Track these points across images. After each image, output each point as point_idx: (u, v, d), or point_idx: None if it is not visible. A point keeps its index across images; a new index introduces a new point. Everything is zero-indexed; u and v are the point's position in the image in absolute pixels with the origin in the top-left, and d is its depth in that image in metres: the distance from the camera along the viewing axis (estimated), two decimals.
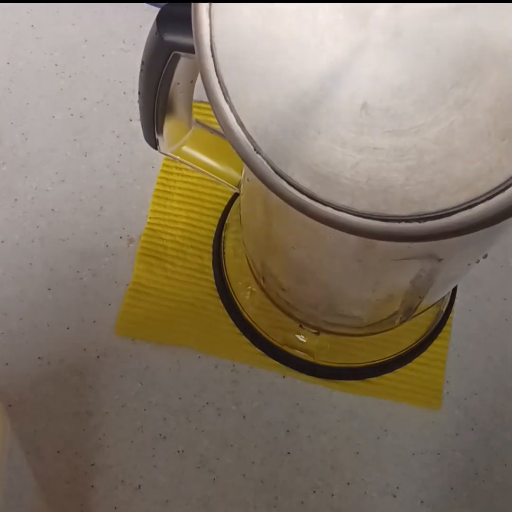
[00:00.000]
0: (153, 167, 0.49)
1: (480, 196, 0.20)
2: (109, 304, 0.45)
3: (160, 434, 0.42)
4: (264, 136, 0.23)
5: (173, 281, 0.46)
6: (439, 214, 0.21)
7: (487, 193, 0.20)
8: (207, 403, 0.43)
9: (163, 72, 0.32)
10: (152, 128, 0.36)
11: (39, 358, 0.44)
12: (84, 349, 0.44)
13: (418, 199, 0.21)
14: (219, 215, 0.48)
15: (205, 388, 0.44)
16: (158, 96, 0.33)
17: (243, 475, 0.42)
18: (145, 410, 0.43)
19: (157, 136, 0.37)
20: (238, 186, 0.41)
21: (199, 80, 0.35)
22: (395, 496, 0.42)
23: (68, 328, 0.45)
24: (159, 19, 0.30)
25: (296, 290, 0.38)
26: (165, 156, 0.41)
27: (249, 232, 0.38)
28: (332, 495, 0.42)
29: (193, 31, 0.23)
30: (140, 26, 0.53)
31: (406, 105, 0.20)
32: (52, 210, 0.48)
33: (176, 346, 0.44)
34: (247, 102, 0.23)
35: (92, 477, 0.41)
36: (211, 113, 0.56)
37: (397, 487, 0.42)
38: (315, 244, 0.31)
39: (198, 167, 0.41)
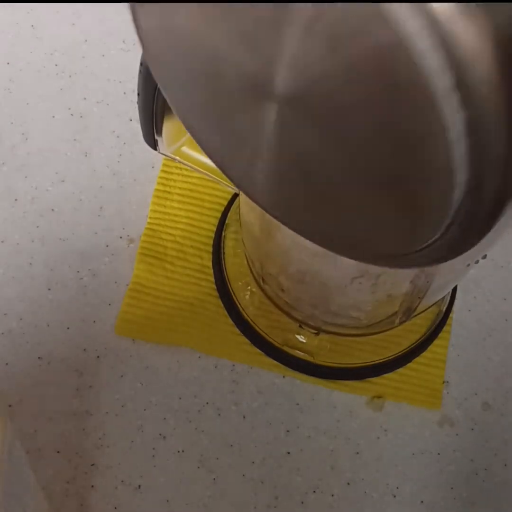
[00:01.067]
0: (153, 167, 0.49)
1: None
2: (109, 304, 0.45)
3: (160, 434, 0.43)
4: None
5: (173, 281, 0.46)
6: None
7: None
8: (207, 403, 0.43)
9: None
10: (151, 129, 0.36)
11: (39, 358, 0.44)
12: (84, 349, 0.44)
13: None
14: (219, 215, 0.48)
15: (205, 388, 0.44)
16: (157, 97, 0.33)
17: (243, 475, 0.42)
18: (145, 410, 0.43)
19: (156, 137, 0.37)
20: None
21: None
22: (395, 496, 0.42)
23: (68, 328, 0.45)
24: None
25: (296, 290, 0.38)
26: (165, 156, 0.41)
27: (249, 232, 0.38)
28: (332, 495, 0.42)
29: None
30: None
31: None
32: (52, 210, 0.48)
33: (176, 346, 0.44)
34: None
35: (92, 477, 0.41)
36: None
37: (397, 487, 0.42)
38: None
39: (197, 167, 0.40)
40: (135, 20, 0.22)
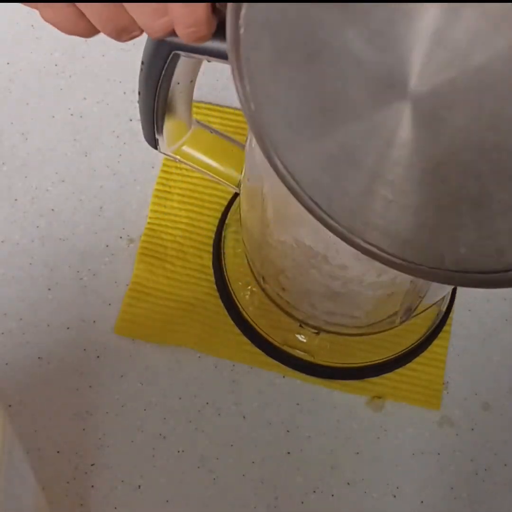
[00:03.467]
0: (153, 167, 0.49)
1: None
2: (109, 304, 0.45)
3: (160, 434, 0.42)
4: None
5: (173, 281, 0.46)
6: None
7: None
8: (207, 403, 0.43)
9: (163, 72, 0.32)
10: (152, 128, 0.36)
11: (39, 358, 0.44)
12: (84, 349, 0.44)
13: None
14: (219, 215, 0.48)
15: (205, 388, 0.44)
16: (158, 96, 0.33)
17: (243, 475, 0.42)
18: (145, 410, 0.43)
19: (157, 136, 0.37)
20: (238, 186, 0.41)
21: (198, 79, 0.35)
22: (395, 496, 0.42)
23: (68, 328, 0.45)
24: None
25: (296, 290, 0.38)
26: (165, 156, 0.41)
27: (249, 232, 0.38)
28: (332, 495, 0.42)
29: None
30: None
31: None
32: (52, 210, 0.48)
33: (176, 346, 0.44)
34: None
35: (92, 477, 0.41)
36: (211, 113, 0.56)
37: (397, 487, 0.42)
38: (317, 243, 0.32)
39: (198, 167, 0.41)
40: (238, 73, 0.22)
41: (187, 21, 0.25)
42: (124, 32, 0.27)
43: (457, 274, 0.22)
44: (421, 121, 0.19)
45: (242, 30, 0.21)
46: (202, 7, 0.24)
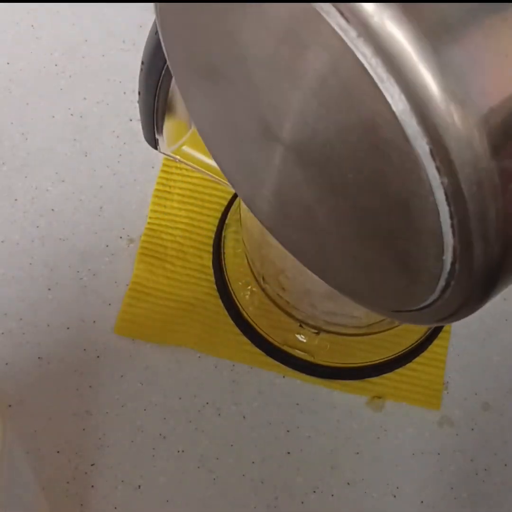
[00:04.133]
0: (153, 167, 0.49)
1: None
2: (109, 304, 0.45)
3: (160, 434, 0.42)
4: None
5: (173, 281, 0.46)
6: None
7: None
8: (207, 403, 0.43)
9: (163, 72, 0.32)
10: (152, 128, 0.36)
11: (39, 358, 0.44)
12: (84, 349, 0.44)
13: None
14: (219, 215, 0.48)
15: (205, 388, 0.44)
16: (158, 96, 0.33)
17: (243, 475, 0.42)
18: (145, 410, 0.43)
19: (157, 136, 0.37)
20: None
21: None
22: (395, 496, 0.42)
23: (68, 328, 0.45)
24: None
25: (296, 290, 0.38)
26: (165, 156, 0.41)
27: (249, 232, 0.38)
28: (332, 495, 0.42)
29: None
30: (140, 26, 0.53)
31: None
32: (52, 210, 0.48)
33: (176, 346, 0.44)
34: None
35: (92, 477, 0.41)
36: None
37: (397, 487, 0.42)
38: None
39: (198, 167, 0.41)
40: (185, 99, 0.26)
41: None
42: None
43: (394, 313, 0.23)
44: (290, 161, 0.22)
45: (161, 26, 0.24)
46: None
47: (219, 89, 0.23)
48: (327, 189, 0.21)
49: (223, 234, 0.47)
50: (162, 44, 0.25)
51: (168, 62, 0.26)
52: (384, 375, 0.44)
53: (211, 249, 0.47)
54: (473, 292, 0.18)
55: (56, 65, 0.52)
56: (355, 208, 0.20)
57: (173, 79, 0.33)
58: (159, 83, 0.33)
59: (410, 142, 0.16)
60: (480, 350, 0.45)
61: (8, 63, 0.52)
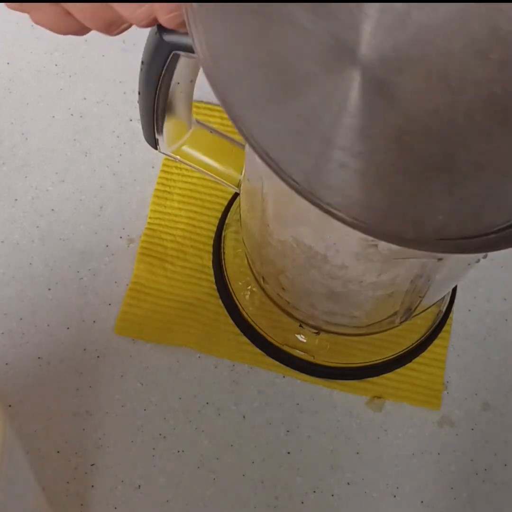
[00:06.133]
0: (153, 167, 0.49)
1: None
2: (109, 304, 0.45)
3: (160, 434, 0.42)
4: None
5: (173, 281, 0.46)
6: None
7: None
8: (207, 403, 0.43)
9: (163, 72, 0.32)
10: (152, 128, 0.36)
11: (39, 358, 0.44)
12: (84, 349, 0.44)
13: None
14: (219, 215, 0.48)
15: (205, 388, 0.44)
16: (158, 96, 0.33)
17: (243, 475, 0.42)
18: (145, 410, 0.43)
19: (157, 136, 0.37)
20: (238, 186, 0.41)
21: (199, 79, 0.35)
22: (395, 496, 0.42)
23: (68, 328, 0.45)
24: None
25: (296, 290, 0.38)
26: (165, 156, 0.41)
27: (249, 232, 0.38)
28: (332, 495, 0.42)
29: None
30: None
31: None
32: (52, 210, 0.48)
33: (176, 346, 0.44)
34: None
35: (92, 477, 0.41)
36: (211, 113, 0.55)
37: (397, 487, 0.42)
38: (317, 243, 0.32)
39: (198, 167, 0.41)
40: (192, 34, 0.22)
41: (165, 8, 0.25)
42: (112, 25, 0.27)
43: (440, 242, 0.22)
44: (372, 88, 0.20)
45: (197, 15, 0.22)
46: None
47: (272, 28, 0.21)
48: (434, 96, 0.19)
49: (223, 234, 0.47)
50: None
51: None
52: (384, 375, 0.44)
53: (211, 249, 0.47)
54: None
55: (56, 65, 0.52)
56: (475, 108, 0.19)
57: (173, 79, 0.33)
58: (159, 83, 0.33)
59: None
60: (480, 350, 0.45)
61: (8, 63, 0.52)
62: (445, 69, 0.18)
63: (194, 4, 0.22)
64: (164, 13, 0.26)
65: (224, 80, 0.23)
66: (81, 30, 0.28)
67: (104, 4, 0.26)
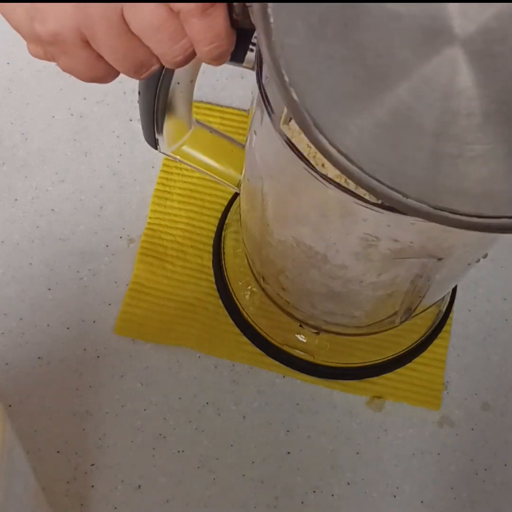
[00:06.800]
0: (153, 167, 0.49)
1: None
2: (109, 304, 0.45)
3: (160, 434, 0.42)
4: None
5: (173, 281, 0.46)
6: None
7: None
8: (207, 403, 0.43)
9: (163, 72, 0.32)
10: (152, 128, 0.36)
11: (39, 358, 0.44)
12: (84, 349, 0.44)
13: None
14: (219, 215, 0.48)
15: (205, 388, 0.44)
16: (158, 96, 0.33)
17: (243, 475, 0.42)
18: (145, 410, 0.43)
19: (157, 136, 0.37)
20: (238, 186, 0.41)
21: (199, 79, 0.35)
22: (395, 496, 0.42)
23: (68, 328, 0.45)
24: None
25: (296, 290, 0.38)
26: (165, 156, 0.41)
27: (249, 232, 0.38)
28: (332, 495, 0.42)
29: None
30: None
31: None
32: (52, 210, 0.48)
33: (176, 346, 0.44)
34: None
35: (92, 477, 0.41)
36: (211, 113, 0.55)
37: (397, 487, 0.42)
38: (317, 242, 0.32)
39: (198, 167, 0.41)
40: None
41: (207, 36, 0.24)
42: (143, 67, 0.27)
43: None
44: (476, 62, 0.19)
45: (271, 19, 0.20)
46: (221, 19, 0.24)
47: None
48: None
49: (223, 234, 0.47)
50: None
51: None
52: (384, 375, 0.44)
53: (211, 249, 0.47)
54: None
55: (56, 65, 0.52)
56: None
57: (173, 79, 0.33)
58: (159, 83, 0.33)
59: None
60: (480, 350, 0.45)
61: (8, 63, 0.52)
62: None
63: (269, 4, 0.20)
64: (205, 44, 0.25)
65: (300, 84, 0.21)
66: (109, 74, 0.28)
67: (138, 42, 0.25)
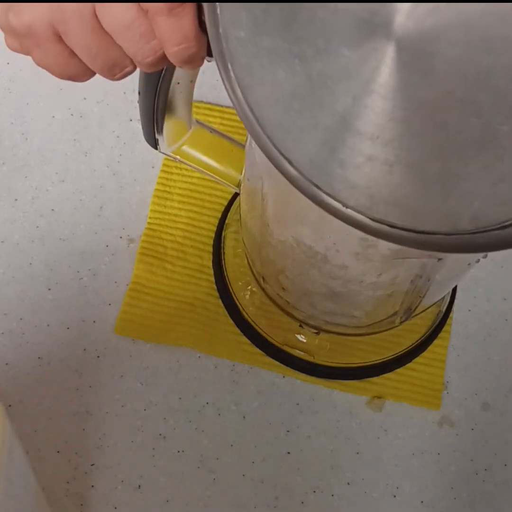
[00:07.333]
0: (153, 167, 0.49)
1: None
2: (109, 304, 0.45)
3: (160, 434, 0.42)
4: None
5: (173, 281, 0.46)
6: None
7: None
8: (207, 403, 0.43)
9: (163, 72, 0.32)
10: (152, 128, 0.36)
11: (39, 358, 0.44)
12: (84, 349, 0.44)
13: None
14: (219, 215, 0.48)
15: (205, 388, 0.44)
16: (158, 96, 0.33)
17: (243, 475, 0.42)
18: (145, 410, 0.43)
19: (157, 136, 0.37)
20: (238, 186, 0.41)
21: (199, 79, 0.35)
22: (395, 496, 0.42)
23: (68, 328, 0.45)
24: None
25: (296, 290, 0.38)
26: (165, 156, 0.41)
27: (249, 232, 0.38)
28: (332, 495, 0.42)
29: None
30: None
31: None
32: (52, 210, 0.48)
33: (176, 346, 0.44)
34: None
35: (92, 477, 0.41)
36: (211, 113, 0.55)
37: (397, 487, 0.42)
38: (317, 242, 0.32)
39: (198, 167, 0.41)
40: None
41: (174, 37, 0.24)
42: (115, 66, 0.26)
43: (476, 236, 0.20)
44: (407, 62, 0.18)
45: (218, 10, 0.20)
46: (189, 20, 0.24)
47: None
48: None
49: (223, 234, 0.47)
50: None
51: None
52: (384, 375, 0.44)
53: (211, 249, 0.47)
54: None
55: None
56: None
57: (173, 79, 0.33)
58: (159, 83, 0.33)
59: None
60: (480, 350, 0.45)
61: (8, 63, 0.52)
62: (485, 31, 0.17)
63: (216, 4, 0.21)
64: (173, 45, 0.24)
65: (244, 79, 0.21)
66: (83, 73, 0.27)
67: (110, 40, 0.25)
